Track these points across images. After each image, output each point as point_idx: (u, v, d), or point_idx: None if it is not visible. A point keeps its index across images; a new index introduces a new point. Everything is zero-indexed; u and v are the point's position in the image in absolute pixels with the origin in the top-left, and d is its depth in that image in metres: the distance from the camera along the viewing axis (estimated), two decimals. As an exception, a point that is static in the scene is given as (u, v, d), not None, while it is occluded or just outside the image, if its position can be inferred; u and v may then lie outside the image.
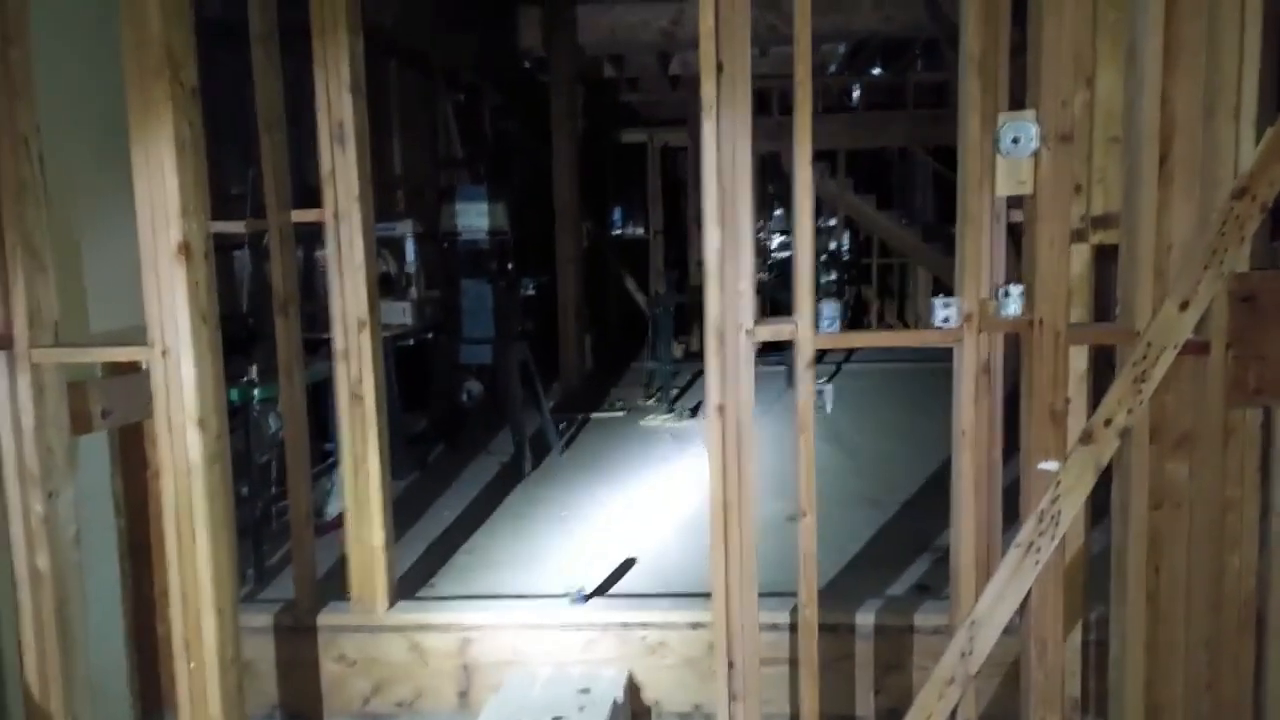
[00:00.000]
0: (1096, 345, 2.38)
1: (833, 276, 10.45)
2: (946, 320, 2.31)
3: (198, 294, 2.36)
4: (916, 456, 4.93)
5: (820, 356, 2.43)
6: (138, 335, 2.66)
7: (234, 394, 3.50)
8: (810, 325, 2.30)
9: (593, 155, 7.76)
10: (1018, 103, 2.31)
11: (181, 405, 2.35)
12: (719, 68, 2.23)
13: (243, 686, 2.57)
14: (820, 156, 9.40)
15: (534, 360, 5.40)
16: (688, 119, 8.76)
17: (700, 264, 8.03)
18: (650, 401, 6.57)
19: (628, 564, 3.61)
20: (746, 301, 2.31)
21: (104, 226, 2.71)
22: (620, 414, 6.35)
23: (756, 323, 2.34)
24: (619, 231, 11.27)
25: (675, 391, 6.71)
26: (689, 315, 8.50)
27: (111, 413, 2.68)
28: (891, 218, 9.96)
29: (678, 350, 6.93)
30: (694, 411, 6.19)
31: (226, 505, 2.50)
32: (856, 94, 9.45)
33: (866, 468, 4.94)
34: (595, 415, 6.28)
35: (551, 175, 7.06)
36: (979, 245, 2.26)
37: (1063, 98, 2.18)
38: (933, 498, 4.39)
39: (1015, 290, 2.27)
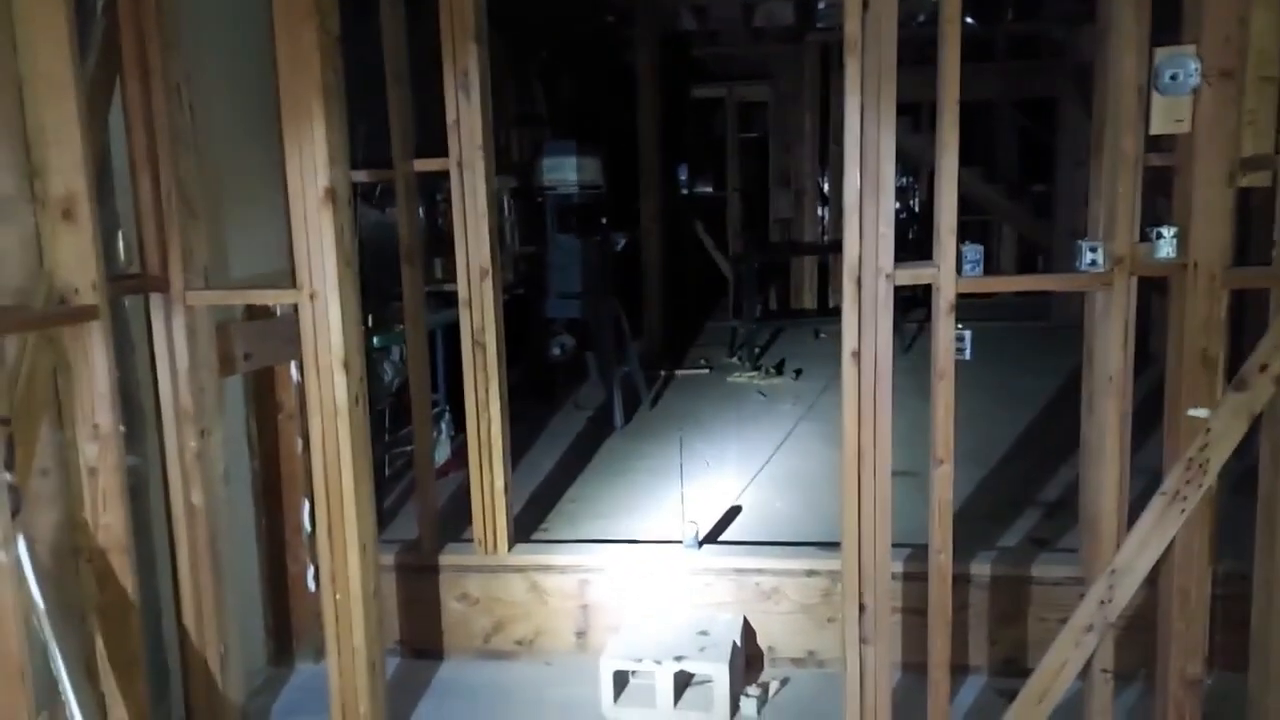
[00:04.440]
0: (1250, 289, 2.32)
1: (911, 236, 10.26)
2: (1094, 264, 2.26)
3: (343, 239, 2.41)
4: (1014, 414, 4.86)
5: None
6: (276, 280, 2.74)
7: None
8: (952, 268, 2.28)
9: (668, 111, 7.69)
10: (1156, 40, 2.24)
11: (329, 347, 2.41)
12: (864, 4, 2.19)
13: (381, 619, 2.66)
14: (904, 110, 9.18)
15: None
16: (771, 73, 8.62)
17: (780, 222, 7.90)
18: (734, 359, 6.57)
19: (734, 511, 3.64)
20: (886, 245, 2.29)
21: (244, 175, 2.79)
22: (705, 371, 6.36)
23: (896, 266, 2.32)
24: (686, 191, 11.16)
25: (758, 350, 6.70)
26: (768, 274, 8.44)
27: (252, 355, 2.77)
28: (973, 174, 9.71)
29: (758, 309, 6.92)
30: (779, 369, 6.17)
31: (367, 445, 2.58)
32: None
33: (966, 424, 4.86)
34: (680, 372, 6.29)
35: (633, 132, 7.02)
36: (1131, 187, 2.20)
37: (1226, 32, 2.10)
38: (1032, 454, 4.33)
39: (1169, 233, 2.21)
